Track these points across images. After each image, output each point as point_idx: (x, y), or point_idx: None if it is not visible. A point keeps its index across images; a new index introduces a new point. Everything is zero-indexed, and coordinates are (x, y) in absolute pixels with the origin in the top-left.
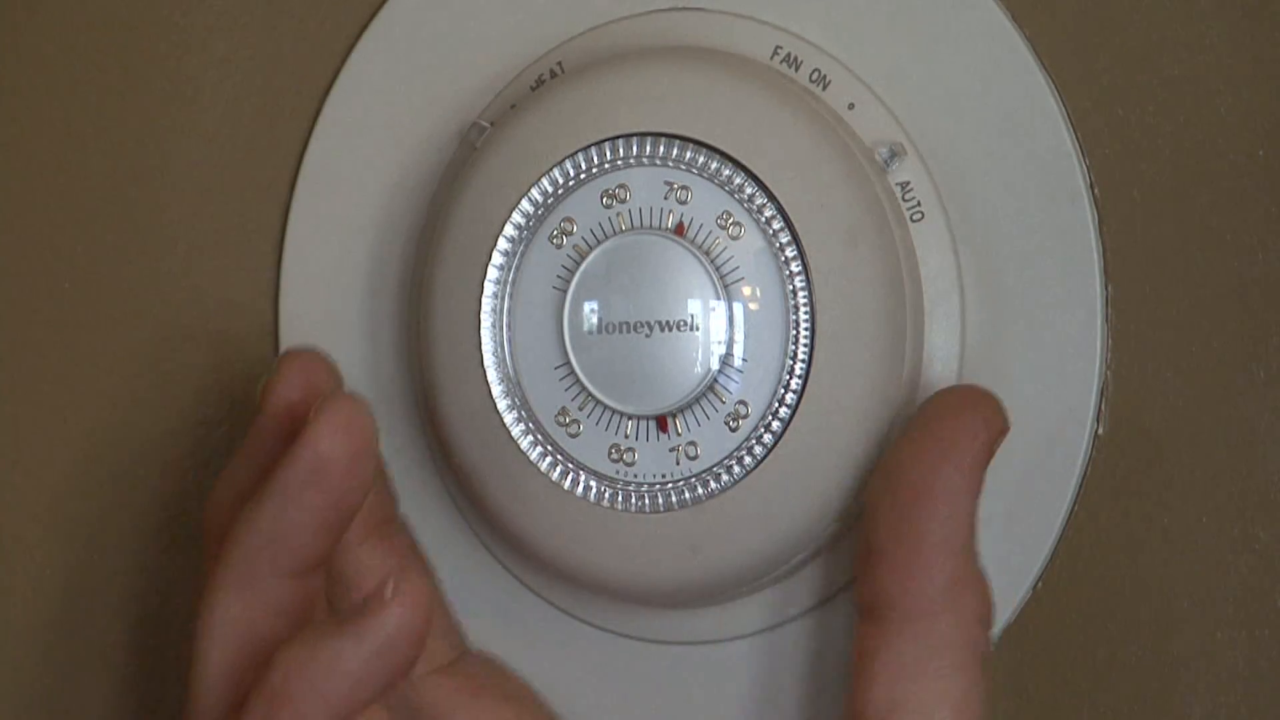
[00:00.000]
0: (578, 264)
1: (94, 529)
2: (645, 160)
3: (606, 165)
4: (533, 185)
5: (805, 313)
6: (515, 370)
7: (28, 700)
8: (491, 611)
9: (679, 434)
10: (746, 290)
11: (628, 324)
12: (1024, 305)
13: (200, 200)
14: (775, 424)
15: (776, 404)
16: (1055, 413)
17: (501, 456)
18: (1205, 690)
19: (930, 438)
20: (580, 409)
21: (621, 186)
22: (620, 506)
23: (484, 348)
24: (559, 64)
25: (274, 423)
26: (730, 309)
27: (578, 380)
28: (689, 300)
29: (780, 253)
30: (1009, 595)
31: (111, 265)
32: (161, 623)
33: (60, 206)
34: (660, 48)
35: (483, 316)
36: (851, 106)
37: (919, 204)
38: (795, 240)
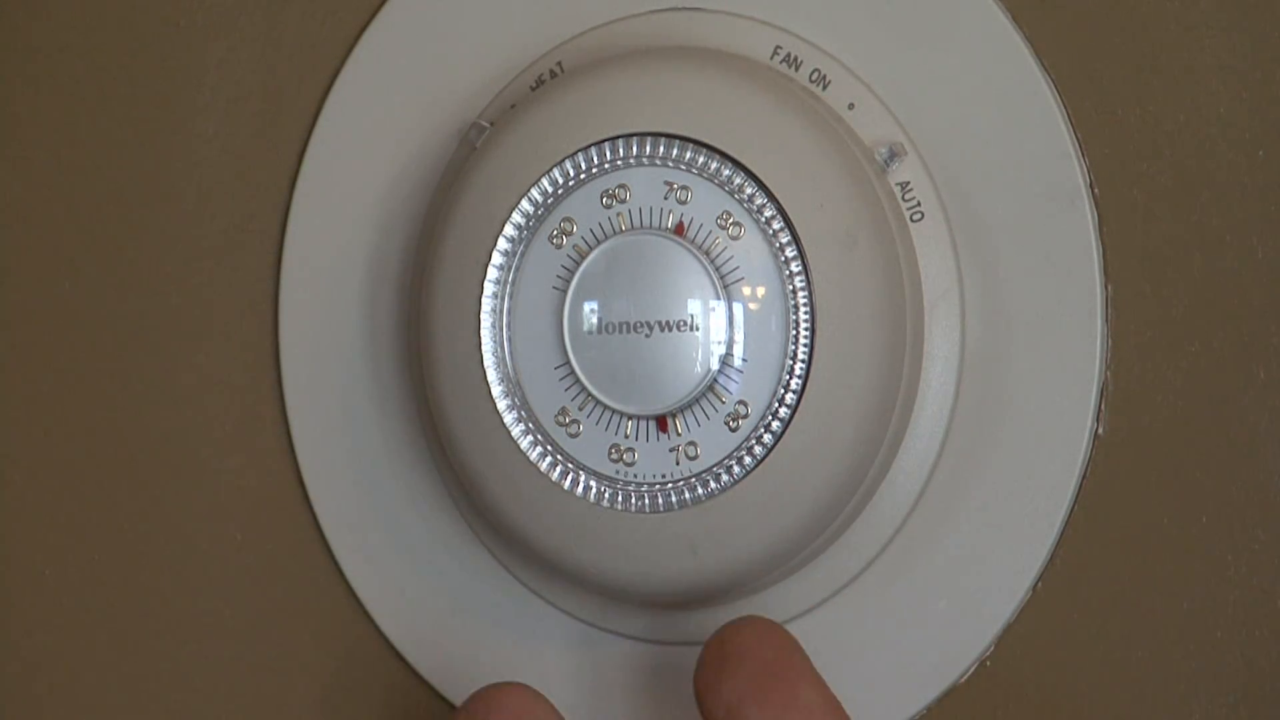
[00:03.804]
0: (578, 264)
1: (94, 529)
2: (645, 160)
3: (606, 165)
4: (533, 185)
5: (805, 313)
6: (515, 370)
7: (28, 700)
8: (492, 611)
9: (679, 434)
10: (746, 290)
11: (627, 324)
12: (1024, 305)
13: (200, 200)
14: (775, 424)
15: (776, 404)
16: (1055, 413)
17: (501, 456)
18: (1205, 690)
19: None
20: (580, 409)
21: (621, 186)
22: (620, 506)
23: (484, 348)
24: (559, 64)
25: None
26: (730, 309)
27: (578, 380)
28: (689, 300)
29: (780, 253)
30: (1009, 595)
31: (112, 265)
32: (161, 623)
33: (60, 206)
34: (660, 48)
35: (483, 316)
36: (851, 106)
37: (919, 204)
38: (795, 240)
